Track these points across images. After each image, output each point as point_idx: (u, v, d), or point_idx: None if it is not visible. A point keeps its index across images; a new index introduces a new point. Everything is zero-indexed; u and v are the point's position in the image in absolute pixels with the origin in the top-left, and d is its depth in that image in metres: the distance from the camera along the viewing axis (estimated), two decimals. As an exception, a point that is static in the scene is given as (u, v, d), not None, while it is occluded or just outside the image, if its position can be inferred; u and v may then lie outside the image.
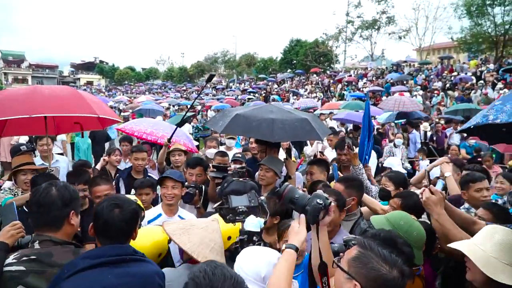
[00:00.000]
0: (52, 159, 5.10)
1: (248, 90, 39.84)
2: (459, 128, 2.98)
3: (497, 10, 28.43)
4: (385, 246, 1.56)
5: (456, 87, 22.61)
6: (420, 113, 13.17)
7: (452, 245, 1.99)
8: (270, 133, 3.73)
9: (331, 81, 33.69)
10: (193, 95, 45.70)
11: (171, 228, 2.21)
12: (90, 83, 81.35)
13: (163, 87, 64.94)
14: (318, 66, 41.06)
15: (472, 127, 2.55)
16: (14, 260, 1.92)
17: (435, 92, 22.74)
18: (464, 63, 28.23)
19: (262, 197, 2.41)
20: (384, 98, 24.06)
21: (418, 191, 2.81)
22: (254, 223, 2.18)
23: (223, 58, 64.99)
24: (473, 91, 20.70)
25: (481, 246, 1.85)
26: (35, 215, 2.06)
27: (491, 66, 24.21)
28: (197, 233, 2.16)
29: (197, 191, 3.83)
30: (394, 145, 9.70)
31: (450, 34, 32.99)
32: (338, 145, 4.92)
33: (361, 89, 27.17)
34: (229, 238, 2.50)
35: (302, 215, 1.91)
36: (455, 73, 25.30)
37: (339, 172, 4.67)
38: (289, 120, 3.93)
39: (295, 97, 29.45)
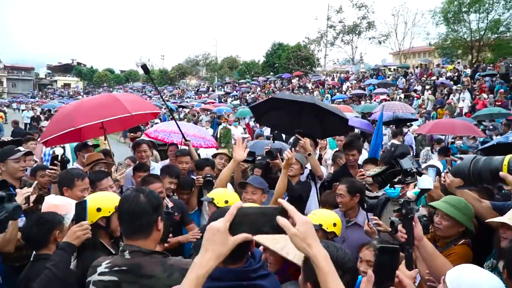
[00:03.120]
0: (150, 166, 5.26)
1: (231, 94, 40.10)
2: (481, 146, 3.63)
3: (472, 17, 29.66)
4: None
5: (430, 90, 23.53)
6: (412, 117, 13.86)
7: (495, 219, 2.35)
8: (312, 99, 4.47)
9: (314, 85, 34.26)
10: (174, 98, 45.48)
11: (275, 247, 2.20)
12: (67, 85, 79.81)
13: (142, 90, 64.32)
14: (300, 70, 41.64)
15: (495, 143, 3.10)
16: (106, 270, 1.98)
17: (416, 96, 23.57)
18: (443, 67, 29.22)
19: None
20: (363, 102, 24.87)
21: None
22: (430, 181, 2.36)
23: (204, 61, 64.90)
24: (451, 95, 21.59)
25: None
26: (126, 223, 2.07)
27: (468, 70, 25.18)
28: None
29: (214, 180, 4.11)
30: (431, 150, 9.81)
31: (428, 40, 34.10)
32: (346, 145, 5.26)
33: (345, 92, 27.84)
34: None
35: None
36: (434, 77, 26.23)
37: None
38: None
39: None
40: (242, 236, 1.28)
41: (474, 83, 22.54)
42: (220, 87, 48.30)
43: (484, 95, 19.63)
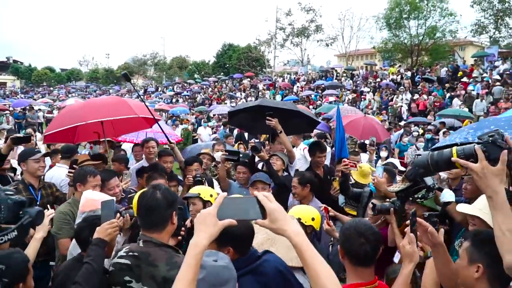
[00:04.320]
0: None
1: (183, 94, 39.73)
2: (437, 145, 4.12)
3: (412, 23, 31.75)
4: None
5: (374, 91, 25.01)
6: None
7: (462, 210, 2.73)
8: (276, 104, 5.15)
9: (265, 86, 34.86)
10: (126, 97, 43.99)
11: (258, 241, 2.46)
12: (3, 84, 74.48)
13: (86, 89, 61.86)
14: (251, 71, 42.22)
15: (459, 143, 3.64)
16: (124, 254, 2.21)
17: (362, 96, 24.85)
18: (385, 69, 30.96)
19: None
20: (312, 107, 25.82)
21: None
22: (451, 194, 2.74)
23: (152, 60, 63.56)
24: (395, 96, 23.05)
25: (484, 210, 2.58)
26: (143, 217, 2.28)
27: (409, 73, 26.92)
28: (282, 241, 2.35)
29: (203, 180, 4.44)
30: (417, 147, 10.58)
31: (372, 43, 35.98)
32: (317, 148, 5.56)
33: (297, 93, 28.63)
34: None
35: None
36: (378, 79, 27.80)
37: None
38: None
39: (232, 100, 30.08)
40: (228, 221, 1.46)
41: (414, 85, 24.23)
42: (170, 87, 47.65)
43: (424, 96, 21.17)
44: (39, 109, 23.31)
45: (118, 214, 2.68)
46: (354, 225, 2.11)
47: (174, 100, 37.88)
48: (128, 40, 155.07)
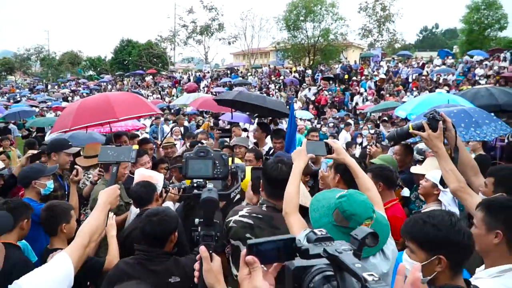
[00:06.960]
0: None
1: (80, 91, 37.13)
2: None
3: (308, 25, 34.46)
4: None
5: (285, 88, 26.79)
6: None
7: (414, 170, 3.79)
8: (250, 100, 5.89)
9: (169, 84, 34.44)
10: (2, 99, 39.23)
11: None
12: None
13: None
14: (153, 67, 41.26)
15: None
16: (246, 214, 2.45)
17: (270, 92, 26.31)
18: (287, 67, 33.04)
19: None
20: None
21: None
22: (407, 190, 3.85)
23: (37, 55, 57.56)
24: (300, 91, 24.96)
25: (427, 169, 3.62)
26: (270, 188, 2.49)
27: (309, 71, 29.25)
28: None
29: None
30: (361, 135, 11.24)
31: (274, 44, 37.92)
32: (273, 134, 6.20)
33: (206, 91, 28.95)
34: None
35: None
36: (282, 77, 29.65)
37: None
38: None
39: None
40: (311, 155, 2.38)
41: (314, 82, 26.48)
42: (63, 85, 43.91)
43: (326, 92, 23.35)
44: None
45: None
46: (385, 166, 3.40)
47: (69, 99, 35.14)
48: (2, 33, 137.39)
